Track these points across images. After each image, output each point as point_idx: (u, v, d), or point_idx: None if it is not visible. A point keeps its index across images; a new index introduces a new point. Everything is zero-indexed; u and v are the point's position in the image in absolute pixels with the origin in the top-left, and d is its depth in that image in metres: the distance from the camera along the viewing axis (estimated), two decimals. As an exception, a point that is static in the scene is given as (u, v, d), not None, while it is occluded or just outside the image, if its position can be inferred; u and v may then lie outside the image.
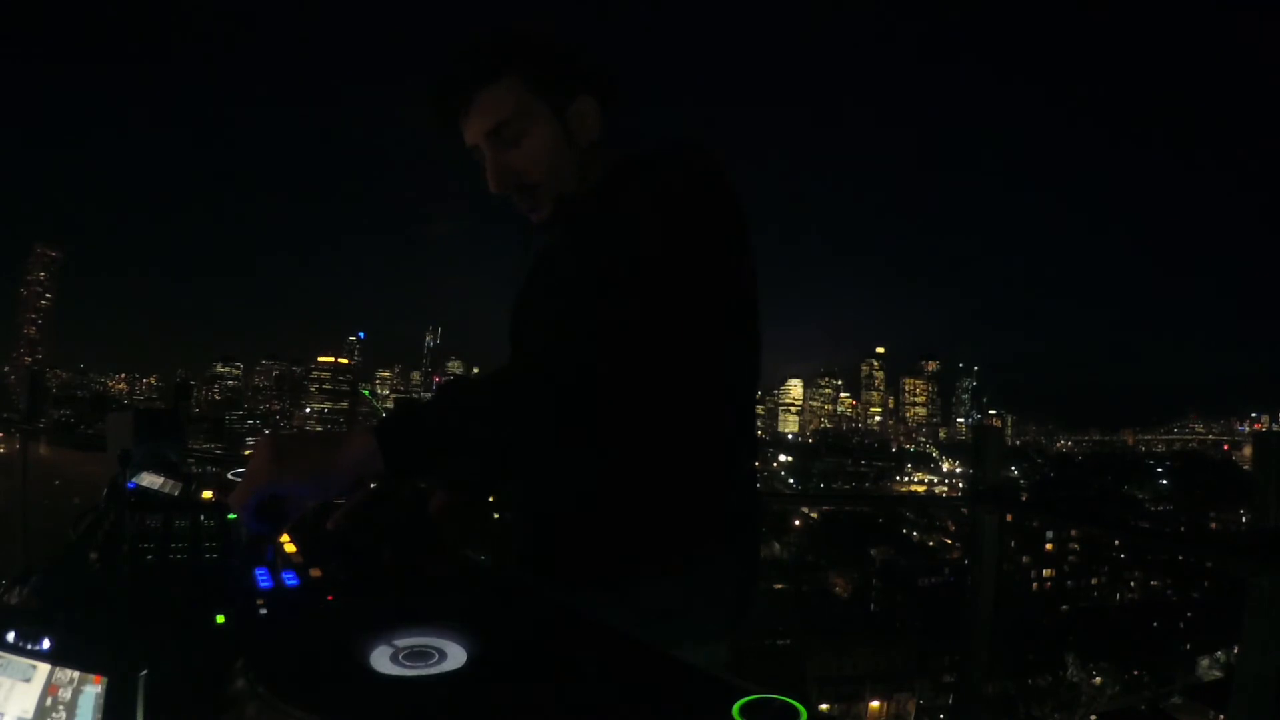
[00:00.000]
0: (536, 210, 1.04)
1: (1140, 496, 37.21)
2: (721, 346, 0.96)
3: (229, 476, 1.20)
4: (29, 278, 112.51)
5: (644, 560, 0.95)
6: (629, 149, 1.06)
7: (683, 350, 0.88)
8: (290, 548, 0.80)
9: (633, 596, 0.92)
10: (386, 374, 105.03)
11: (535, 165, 1.00)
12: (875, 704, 16.13)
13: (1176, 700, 17.66)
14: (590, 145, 1.03)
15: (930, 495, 31.49)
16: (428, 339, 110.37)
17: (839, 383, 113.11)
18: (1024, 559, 24.41)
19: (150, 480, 1.13)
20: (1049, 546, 25.14)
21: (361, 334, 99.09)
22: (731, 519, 1.00)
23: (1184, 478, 40.08)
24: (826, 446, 63.58)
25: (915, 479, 54.26)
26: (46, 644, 0.47)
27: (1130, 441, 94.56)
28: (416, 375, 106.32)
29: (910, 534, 27.00)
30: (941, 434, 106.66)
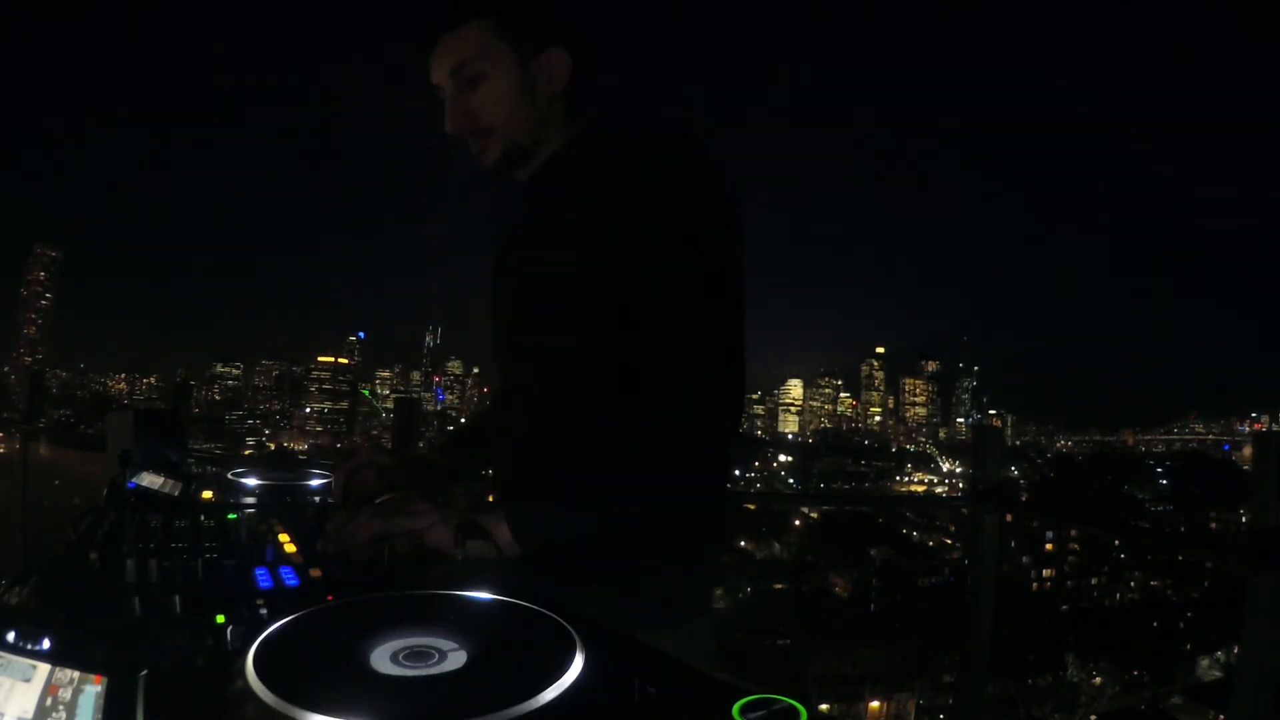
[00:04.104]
0: (486, 154, 1.04)
1: (1140, 496, 37.16)
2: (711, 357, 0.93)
3: (229, 476, 1.21)
4: (29, 278, 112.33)
5: (619, 550, 0.94)
6: (605, 113, 1.06)
7: (678, 363, 0.90)
8: (290, 548, 0.80)
9: (604, 584, 0.91)
10: (386, 374, 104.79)
11: (491, 110, 1.01)
12: (875, 704, 16.12)
13: (1176, 700, 17.64)
14: (554, 99, 1.03)
15: (930, 495, 31.47)
16: (428, 339, 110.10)
17: (839, 383, 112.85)
18: (1024, 559, 24.38)
19: (150, 480, 1.13)
20: (1049, 546, 25.10)
21: (361, 334, 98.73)
22: (703, 512, 1.03)
23: (1184, 478, 40.06)
24: (826, 446, 63.54)
25: (915, 479, 54.17)
26: (46, 644, 0.47)
27: (1130, 441, 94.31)
28: (416, 375, 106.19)
29: (910, 534, 26.96)
30: (941, 434, 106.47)
